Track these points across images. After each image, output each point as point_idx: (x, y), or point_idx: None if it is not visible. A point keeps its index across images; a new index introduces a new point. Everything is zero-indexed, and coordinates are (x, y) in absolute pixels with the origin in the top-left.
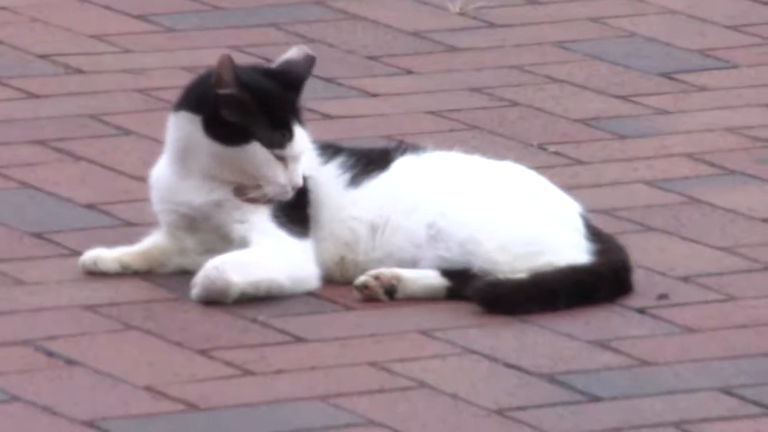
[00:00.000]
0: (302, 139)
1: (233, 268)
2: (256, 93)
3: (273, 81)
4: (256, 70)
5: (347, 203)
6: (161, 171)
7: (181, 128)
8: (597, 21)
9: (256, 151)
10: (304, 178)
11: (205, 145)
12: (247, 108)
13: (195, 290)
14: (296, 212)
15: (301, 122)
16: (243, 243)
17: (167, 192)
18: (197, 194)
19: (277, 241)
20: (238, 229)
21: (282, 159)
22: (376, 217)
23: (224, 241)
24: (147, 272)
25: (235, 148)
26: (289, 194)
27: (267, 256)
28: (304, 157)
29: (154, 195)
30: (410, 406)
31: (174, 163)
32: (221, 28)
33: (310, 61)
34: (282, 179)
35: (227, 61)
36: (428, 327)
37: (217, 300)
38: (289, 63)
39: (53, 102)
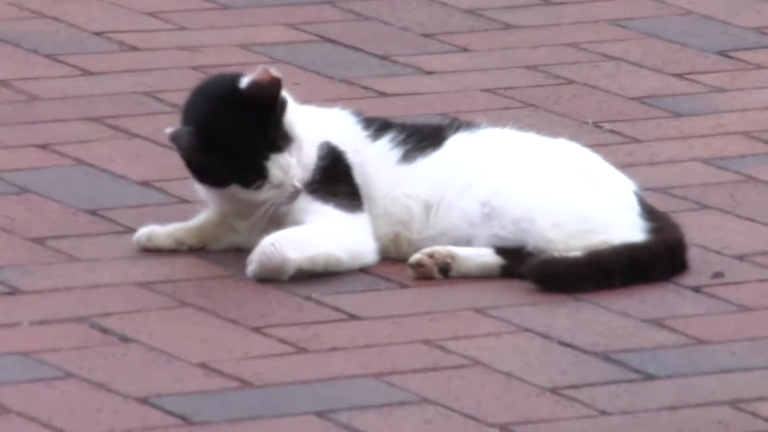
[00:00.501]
0: (281, 167)
1: (290, 244)
2: (220, 146)
3: (239, 112)
4: (221, 104)
5: (400, 180)
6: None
7: None
8: None
9: (237, 192)
10: (342, 153)
11: (201, 189)
12: (215, 162)
13: (251, 267)
14: (343, 188)
15: (278, 145)
16: (297, 223)
17: (212, 194)
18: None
19: (332, 217)
20: (290, 216)
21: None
22: (430, 196)
23: (279, 224)
24: (200, 248)
25: (222, 189)
26: (292, 197)
27: (323, 231)
28: (293, 171)
29: (202, 193)
30: (464, 384)
31: None
32: (276, 6)
33: (276, 83)
34: (275, 197)
35: (171, 134)
36: (482, 305)
37: (273, 277)
38: (256, 86)
39: (108, 79)
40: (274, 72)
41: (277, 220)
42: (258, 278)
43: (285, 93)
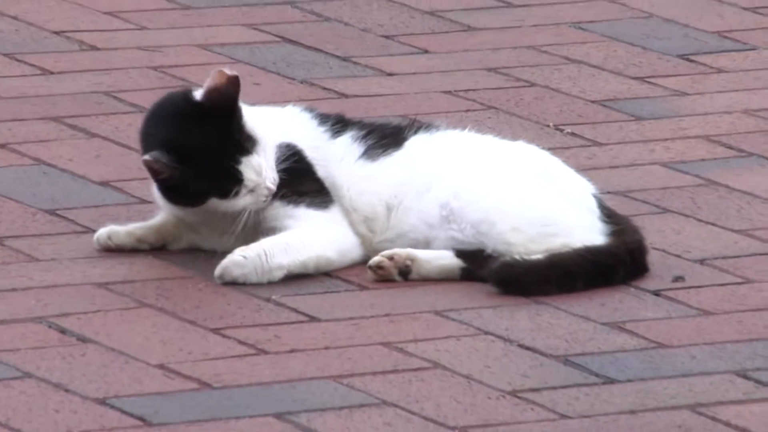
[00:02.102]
0: (253, 168)
1: (281, 252)
2: (189, 163)
3: (202, 124)
4: (183, 119)
5: (364, 176)
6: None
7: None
8: (615, 2)
9: (216, 204)
10: (301, 151)
11: (172, 208)
12: (187, 178)
13: (239, 270)
14: (310, 185)
15: (246, 148)
16: (273, 233)
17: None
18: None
19: (311, 218)
20: (264, 224)
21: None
22: (390, 197)
23: (252, 233)
24: (160, 248)
25: (199, 208)
26: (268, 200)
27: (309, 234)
28: (266, 165)
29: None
30: (424, 386)
31: None
32: (237, 6)
33: (233, 82)
34: (253, 203)
35: (150, 162)
36: (442, 308)
37: (260, 282)
38: (214, 92)
39: (68, 78)
40: (229, 72)
41: (250, 229)
42: (243, 282)
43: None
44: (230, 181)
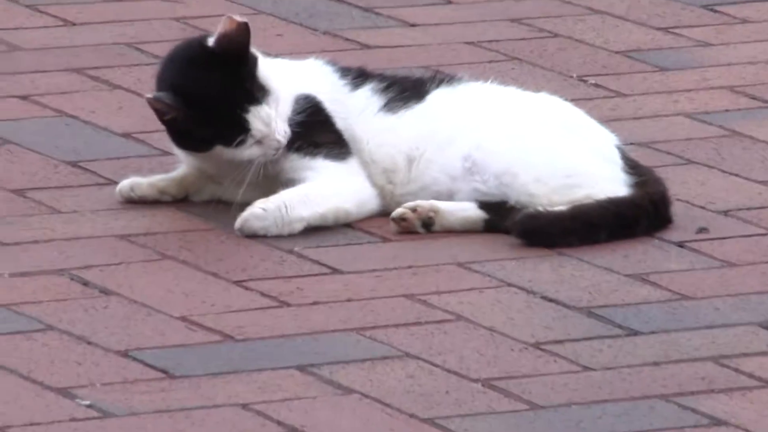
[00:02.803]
0: (261, 119)
1: (300, 204)
2: (196, 105)
3: (212, 70)
4: (192, 65)
5: (383, 129)
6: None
7: None
8: None
9: (222, 151)
10: (320, 102)
11: (184, 155)
12: (193, 121)
13: (259, 222)
14: (328, 137)
15: (256, 98)
16: (292, 184)
17: (196, 161)
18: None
19: (329, 170)
20: (282, 176)
21: (252, 143)
22: (411, 150)
23: (265, 177)
24: (182, 200)
25: (206, 154)
26: (279, 153)
27: (327, 186)
28: (276, 118)
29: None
30: (447, 338)
31: None
32: None
33: (243, 29)
34: (260, 155)
35: (151, 100)
36: (465, 259)
37: (280, 234)
38: (224, 39)
39: (90, 30)
40: (239, 18)
41: (269, 181)
42: (263, 234)
43: (254, 49)
44: (236, 129)
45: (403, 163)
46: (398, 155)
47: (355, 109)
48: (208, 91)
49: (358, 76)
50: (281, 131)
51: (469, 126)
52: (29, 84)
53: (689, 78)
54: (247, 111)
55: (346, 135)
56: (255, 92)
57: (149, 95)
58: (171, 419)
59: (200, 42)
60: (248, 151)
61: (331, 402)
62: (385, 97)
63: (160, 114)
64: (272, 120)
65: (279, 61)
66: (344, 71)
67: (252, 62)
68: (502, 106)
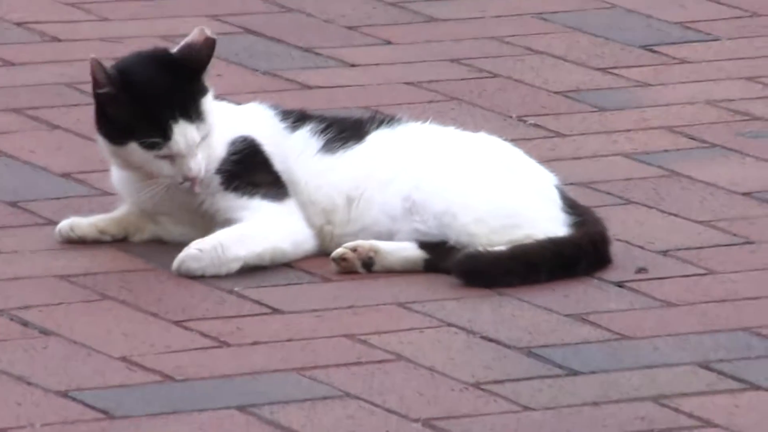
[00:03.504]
0: (185, 137)
1: (236, 243)
2: (132, 91)
3: (164, 72)
4: (147, 61)
5: (323, 169)
6: (118, 173)
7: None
8: None
9: (134, 150)
10: (258, 145)
11: (99, 140)
12: (123, 107)
13: (195, 263)
14: (265, 177)
15: (191, 115)
16: (229, 224)
17: (135, 193)
18: (167, 196)
19: (265, 210)
20: (219, 215)
21: (165, 157)
22: (351, 190)
23: (204, 217)
24: (123, 239)
25: (118, 147)
26: (189, 184)
27: (264, 225)
28: (199, 150)
29: (123, 195)
30: (387, 378)
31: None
32: None
33: (209, 44)
34: (168, 173)
35: (95, 63)
36: (406, 299)
37: (218, 274)
38: (188, 48)
39: (29, 70)
40: (209, 32)
41: (207, 221)
42: (199, 275)
43: (207, 83)
44: (155, 132)
45: (342, 203)
46: (337, 196)
47: (294, 150)
48: (151, 85)
49: (298, 119)
50: (198, 163)
51: (408, 166)
52: None
53: (628, 118)
54: (175, 122)
55: (285, 177)
56: (192, 112)
57: (93, 56)
58: None
59: (165, 48)
60: (158, 163)
61: None
62: (324, 138)
63: (95, 83)
64: (194, 145)
65: (222, 103)
66: (285, 114)
67: (202, 87)
68: (442, 146)
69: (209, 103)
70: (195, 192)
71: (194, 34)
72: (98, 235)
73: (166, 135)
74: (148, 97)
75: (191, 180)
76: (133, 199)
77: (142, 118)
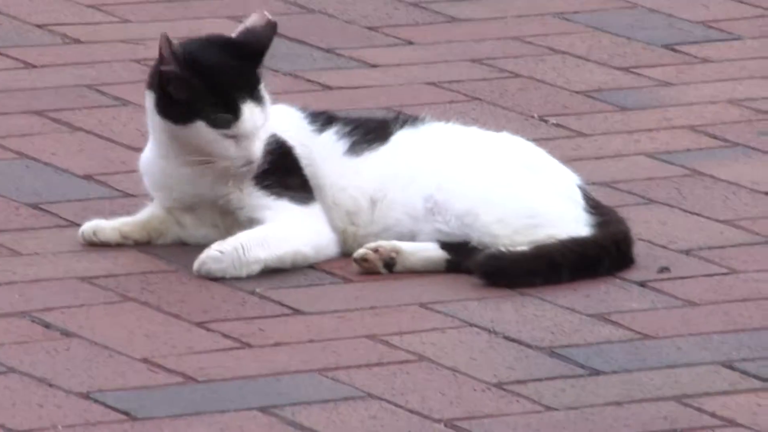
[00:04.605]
0: (253, 117)
1: (257, 245)
2: (200, 70)
3: (229, 54)
4: (211, 43)
5: (348, 171)
6: (150, 156)
7: (146, 107)
8: None
9: (200, 129)
10: (291, 146)
11: (158, 123)
12: (191, 86)
13: (216, 265)
14: (294, 180)
15: (256, 97)
16: (252, 224)
17: (162, 179)
18: (195, 184)
19: (291, 213)
20: (243, 213)
21: (232, 136)
22: (375, 191)
23: (227, 215)
24: (146, 243)
25: (182, 127)
26: (247, 168)
27: (287, 228)
28: (262, 131)
29: (148, 182)
30: (409, 379)
31: (159, 147)
32: None
33: (271, 27)
34: (232, 154)
35: (163, 39)
36: (427, 300)
37: (238, 276)
38: (249, 32)
39: (51, 72)
40: (269, 16)
41: (230, 217)
42: (220, 276)
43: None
44: (226, 111)
45: (365, 204)
46: (361, 197)
47: (321, 153)
48: (219, 63)
49: (325, 121)
50: (260, 147)
51: (430, 166)
52: None
53: (650, 117)
54: (244, 101)
55: (311, 179)
56: (256, 94)
57: (164, 32)
58: None
59: (224, 34)
60: (224, 143)
61: None
62: (350, 139)
63: (162, 59)
64: (260, 127)
65: None
66: (313, 116)
67: (262, 72)
68: (464, 146)
69: (265, 90)
70: (229, 185)
71: (253, 18)
72: (121, 239)
73: (234, 114)
74: (217, 75)
75: (251, 164)
76: (166, 194)
77: (212, 95)
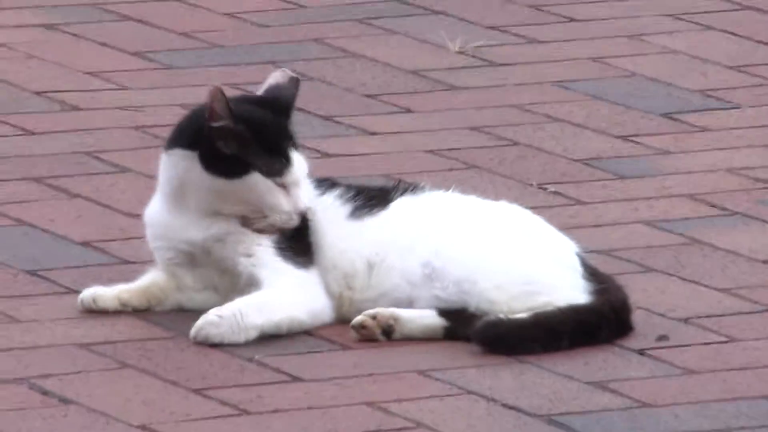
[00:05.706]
0: (300, 164)
1: (255, 311)
2: (250, 123)
3: (263, 108)
4: (245, 99)
5: (348, 234)
6: (156, 209)
7: (176, 166)
8: (597, 60)
9: (257, 181)
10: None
11: (204, 180)
12: (242, 139)
13: (214, 330)
14: (299, 242)
15: (296, 147)
16: (250, 278)
17: (164, 229)
18: (196, 230)
19: (289, 277)
20: (243, 263)
21: (283, 186)
22: (372, 255)
23: (226, 275)
24: (145, 309)
25: (236, 181)
26: (296, 221)
27: (284, 295)
28: (305, 182)
29: (150, 233)
30: None
31: (169, 201)
32: (219, 66)
33: (295, 83)
34: (286, 206)
35: (218, 93)
36: (426, 367)
37: (236, 341)
38: (275, 88)
39: (49, 139)
40: (291, 72)
41: (227, 271)
42: (216, 343)
43: None
44: (279, 158)
45: (362, 268)
46: (359, 260)
47: (323, 215)
48: (263, 117)
49: (329, 187)
50: (306, 198)
51: (429, 233)
52: None
53: (649, 186)
54: (291, 149)
55: (315, 241)
56: (296, 143)
57: (216, 84)
58: None
59: (247, 93)
60: (278, 194)
61: None
62: (352, 204)
63: (212, 115)
64: (304, 174)
65: None
66: (318, 182)
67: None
68: (462, 213)
69: None
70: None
71: (276, 75)
72: (120, 306)
73: (287, 161)
74: (266, 127)
75: (300, 213)
76: (171, 256)
77: (263, 146)
